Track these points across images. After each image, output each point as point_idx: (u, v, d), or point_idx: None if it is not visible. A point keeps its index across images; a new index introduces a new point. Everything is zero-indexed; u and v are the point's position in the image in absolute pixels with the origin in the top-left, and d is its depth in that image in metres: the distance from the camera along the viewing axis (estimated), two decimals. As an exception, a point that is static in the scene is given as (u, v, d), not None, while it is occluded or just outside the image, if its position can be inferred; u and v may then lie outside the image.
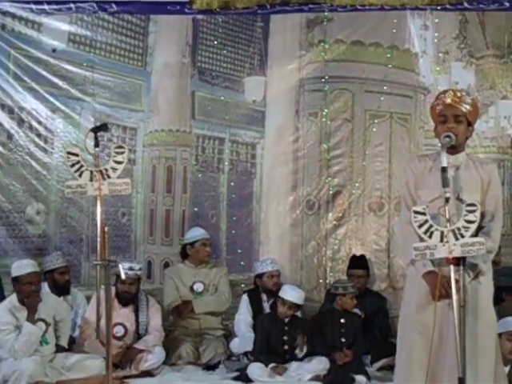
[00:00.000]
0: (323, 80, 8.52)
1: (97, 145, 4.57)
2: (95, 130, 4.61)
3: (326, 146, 8.54)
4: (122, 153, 4.58)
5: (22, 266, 6.65)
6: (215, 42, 8.85)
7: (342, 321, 6.90)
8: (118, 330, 7.07)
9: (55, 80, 8.69)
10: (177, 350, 7.27)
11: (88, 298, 7.55)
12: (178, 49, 8.92)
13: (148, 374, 6.81)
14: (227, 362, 7.19)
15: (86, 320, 7.13)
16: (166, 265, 8.67)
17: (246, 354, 7.17)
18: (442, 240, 4.13)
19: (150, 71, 9.03)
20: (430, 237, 4.15)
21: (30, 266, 6.67)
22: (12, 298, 6.56)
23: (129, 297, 7.17)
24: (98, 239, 4.47)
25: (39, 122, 8.75)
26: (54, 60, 8.70)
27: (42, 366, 6.24)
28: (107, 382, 4.35)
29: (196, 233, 8.07)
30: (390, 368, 6.64)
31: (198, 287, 7.76)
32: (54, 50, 8.69)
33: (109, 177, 4.52)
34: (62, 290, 7.42)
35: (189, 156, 8.96)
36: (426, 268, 4.42)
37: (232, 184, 8.86)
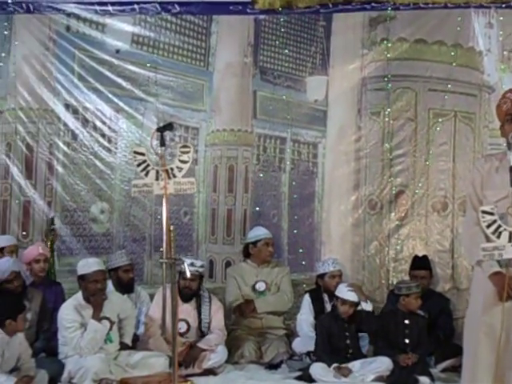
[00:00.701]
0: (386, 79, 8.46)
1: (162, 144, 4.61)
2: (161, 129, 4.65)
3: (388, 145, 8.48)
4: (188, 152, 4.61)
5: (88, 265, 6.73)
6: (277, 42, 8.85)
7: (406, 322, 6.83)
8: (181, 326, 7.11)
9: (119, 81, 8.80)
10: (239, 348, 7.29)
11: (151, 296, 7.61)
12: (239, 49, 8.96)
13: (211, 372, 6.85)
14: (290, 362, 7.19)
15: (150, 318, 7.20)
16: (228, 264, 8.70)
17: (308, 353, 7.16)
18: (510, 240, 4.07)
19: (212, 71, 9.08)
20: (499, 237, 4.09)
21: (96, 264, 6.76)
22: (77, 296, 6.65)
23: (189, 293, 7.19)
24: (164, 238, 4.51)
25: (103, 122, 8.87)
26: (117, 61, 8.80)
27: (107, 363, 6.31)
28: (173, 379, 4.37)
29: (259, 232, 8.07)
30: (454, 369, 6.61)
31: (260, 286, 7.77)
32: (117, 51, 8.80)
33: (174, 176, 4.55)
34: (126, 287, 7.48)
35: (250, 155, 8.99)
36: (492, 269, 4.36)
37: (294, 183, 8.86)
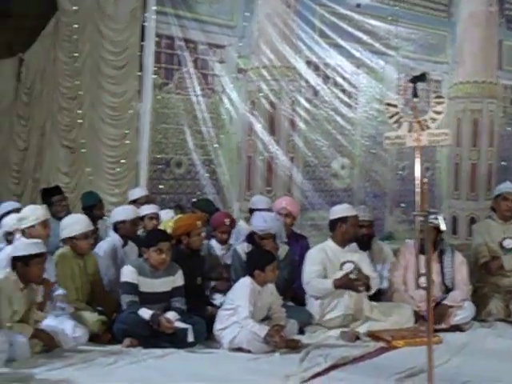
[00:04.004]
0: None
1: (415, 95, 4.52)
2: (414, 80, 4.56)
3: None
4: (442, 103, 4.50)
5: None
6: (524, -11, 8.45)
7: None
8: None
9: (359, 35, 8.79)
10: (486, 306, 7.09)
11: (394, 252, 7.56)
12: (484, -3, 8.67)
13: (458, 328, 6.72)
14: (541, 321, 6.91)
15: (393, 273, 7.15)
16: (472, 220, 8.49)
17: (560, 313, 6.84)
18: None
19: (454, 22, 8.86)
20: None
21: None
22: (328, 241, 6.73)
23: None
24: (417, 190, 4.44)
25: (343, 78, 8.92)
26: (358, 15, 8.80)
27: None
28: (428, 333, 4.33)
29: (501, 186, 7.74)
30: None
31: (509, 243, 7.46)
32: (358, 5, 8.79)
33: (428, 127, 4.46)
34: (365, 243, 7.46)
35: (496, 108, 8.69)
36: None
37: (544, 136, 8.47)
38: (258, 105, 8.99)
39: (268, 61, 8.86)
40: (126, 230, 6.74)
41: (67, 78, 9.12)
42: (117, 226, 6.75)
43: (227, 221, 7.08)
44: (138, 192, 7.95)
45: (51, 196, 7.36)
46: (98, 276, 6.35)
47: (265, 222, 6.57)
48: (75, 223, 6.21)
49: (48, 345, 5.45)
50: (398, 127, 4.57)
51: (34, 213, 5.98)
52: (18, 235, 5.86)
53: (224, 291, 6.54)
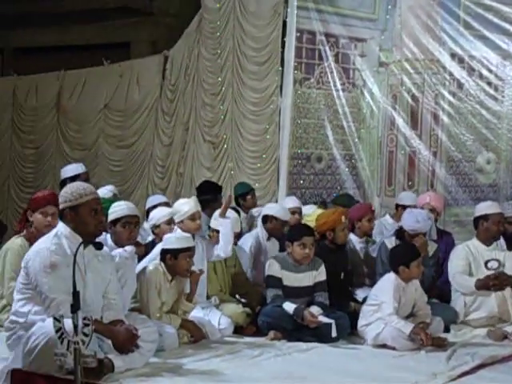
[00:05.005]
0: None
1: None
2: None
3: None
4: None
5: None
6: None
7: None
8: None
9: (506, 26, 8.51)
10: None
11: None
12: None
13: None
14: None
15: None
16: None
17: None
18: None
19: None
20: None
21: None
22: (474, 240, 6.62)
23: None
24: None
25: (489, 70, 8.66)
26: (504, 6, 8.50)
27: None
28: None
29: None
30: None
31: None
32: (509, -4, 8.52)
33: None
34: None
35: None
36: None
37: None
38: (399, 99, 8.89)
39: (411, 54, 8.74)
40: (275, 226, 6.77)
41: (210, 74, 9.33)
42: (267, 220, 6.80)
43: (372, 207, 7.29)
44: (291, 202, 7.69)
45: (217, 193, 7.47)
46: (239, 268, 6.46)
47: (417, 223, 6.42)
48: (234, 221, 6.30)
49: (195, 336, 5.57)
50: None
51: (184, 207, 6.03)
52: (174, 227, 5.95)
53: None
